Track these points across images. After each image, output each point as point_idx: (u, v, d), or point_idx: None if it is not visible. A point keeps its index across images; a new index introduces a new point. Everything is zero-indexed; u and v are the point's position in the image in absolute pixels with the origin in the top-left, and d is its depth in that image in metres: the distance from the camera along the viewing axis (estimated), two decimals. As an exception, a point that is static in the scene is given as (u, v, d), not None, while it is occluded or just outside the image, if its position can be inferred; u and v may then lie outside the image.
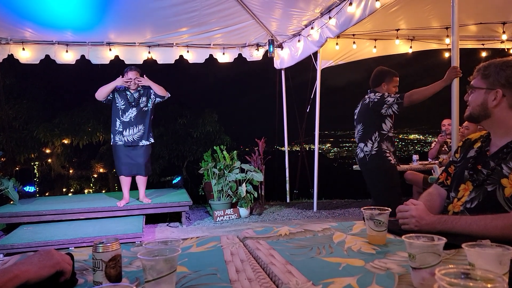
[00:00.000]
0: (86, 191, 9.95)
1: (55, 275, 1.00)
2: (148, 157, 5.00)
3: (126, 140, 4.82)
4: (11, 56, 5.60)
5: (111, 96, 4.82)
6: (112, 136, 4.90)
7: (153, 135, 5.08)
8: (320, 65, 5.79)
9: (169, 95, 4.97)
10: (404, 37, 6.12)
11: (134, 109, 4.83)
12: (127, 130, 4.82)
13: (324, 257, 1.19)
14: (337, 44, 5.80)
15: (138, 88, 4.87)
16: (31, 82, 9.41)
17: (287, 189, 6.81)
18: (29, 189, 5.79)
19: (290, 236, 1.47)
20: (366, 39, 6.04)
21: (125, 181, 4.97)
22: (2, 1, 4.76)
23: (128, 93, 4.84)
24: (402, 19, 5.45)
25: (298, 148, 8.13)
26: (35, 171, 9.39)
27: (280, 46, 6.18)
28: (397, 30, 5.77)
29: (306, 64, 5.98)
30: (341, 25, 4.56)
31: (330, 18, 4.65)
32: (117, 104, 4.84)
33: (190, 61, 6.11)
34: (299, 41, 5.62)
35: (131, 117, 4.83)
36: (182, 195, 5.76)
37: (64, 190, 9.85)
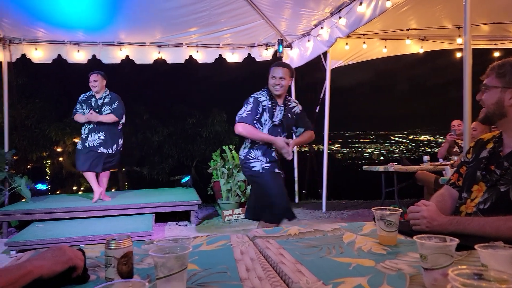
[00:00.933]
0: (96, 189, 10.03)
1: (68, 271, 1.01)
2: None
3: (88, 145, 4.90)
4: (24, 56, 5.67)
5: (75, 109, 4.97)
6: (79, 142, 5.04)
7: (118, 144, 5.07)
8: (330, 65, 5.77)
9: (118, 120, 4.95)
10: (415, 37, 6.07)
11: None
12: (91, 135, 4.91)
13: (334, 257, 1.19)
14: (347, 44, 5.77)
15: (104, 94, 4.94)
16: (43, 82, 9.53)
17: (296, 189, 6.79)
18: (41, 187, 5.86)
19: (300, 235, 1.47)
20: (376, 39, 6.00)
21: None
22: (15, 2, 4.84)
23: (93, 99, 4.94)
24: (413, 18, 5.41)
25: (307, 149, 8.12)
26: (47, 169, 9.51)
27: (290, 46, 6.17)
28: (408, 29, 5.72)
29: (315, 64, 5.97)
30: (351, 25, 4.54)
31: (340, 18, 4.63)
32: (80, 112, 4.97)
33: (199, 61, 6.14)
34: (308, 41, 5.61)
35: (94, 123, 4.91)
36: (191, 194, 5.79)
37: (74, 188, 9.96)
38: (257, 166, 3.11)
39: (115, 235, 1.08)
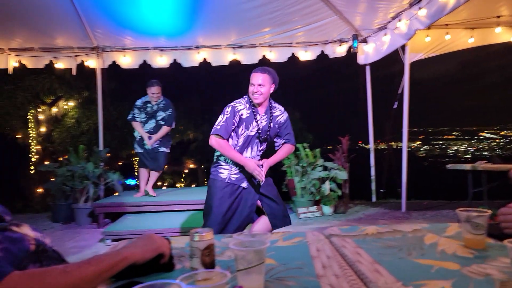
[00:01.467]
0: (178, 185, 10.63)
1: (156, 258, 1.12)
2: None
3: (148, 148, 5.26)
4: (114, 62, 6.20)
5: (132, 113, 5.29)
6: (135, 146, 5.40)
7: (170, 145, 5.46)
8: (409, 58, 5.49)
9: (171, 127, 5.32)
10: (506, 24, 5.53)
11: (153, 120, 5.24)
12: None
13: (414, 259, 1.15)
14: (427, 35, 5.45)
15: (160, 100, 5.24)
16: (130, 86, 10.31)
17: (373, 188, 6.58)
18: (130, 182, 6.37)
19: (378, 235, 1.44)
20: (461, 29, 5.58)
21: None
22: (106, 14, 5.31)
23: (149, 105, 5.25)
24: (504, 4, 4.94)
25: (384, 146, 7.81)
26: (134, 165, 10.29)
27: (365, 40, 5.99)
28: (498, 17, 5.24)
29: (391, 58, 5.72)
30: (432, 16, 4.27)
31: (420, 8, 4.39)
32: (136, 119, 5.28)
33: (272, 61, 6.20)
34: (385, 34, 5.39)
35: (150, 128, 5.25)
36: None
37: (159, 183, 10.64)
38: (224, 173, 2.86)
39: (198, 228, 1.16)
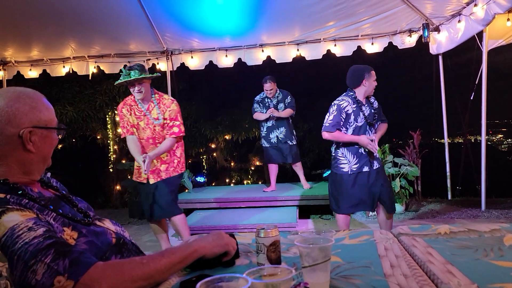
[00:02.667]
0: (245, 182, 10.84)
1: (222, 254, 1.17)
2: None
3: (273, 141, 5.43)
4: (182, 64, 6.48)
5: (255, 106, 5.49)
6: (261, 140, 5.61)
7: (296, 137, 5.60)
8: (487, 45, 5.07)
9: (293, 111, 5.44)
10: None
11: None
12: (271, 133, 5.43)
13: (492, 260, 1.08)
14: (508, 19, 5.00)
15: (276, 94, 5.37)
16: (197, 86, 10.71)
17: (448, 185, 6.19)
18: (200, 179, 6.64)
19: (451, 235, 1.37)
20: (548, 9, 5.04)
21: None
22: (174, 18, 5.57)
23: (267, 100, 5.40)
24: None
25: (461, 140, 7.31)
26: (204, 163, 10.68)
27: (437, 29, 5.63)
28: None
29: (467, 46, 5.32)
30: (513, -2, 3.92)
31: (499, -10, 4.05)
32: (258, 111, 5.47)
33: (337, 55, 6.07)
34: (459, 21, 5.03)
35: (272, 122, 5.39)
36: (332, 189, 5.80)
37: (227, 180, 10.94)
38: (345, 167, 3.31)
39: (264, 225, 1.19)
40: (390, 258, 1.17)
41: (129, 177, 6.67)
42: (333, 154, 3.43)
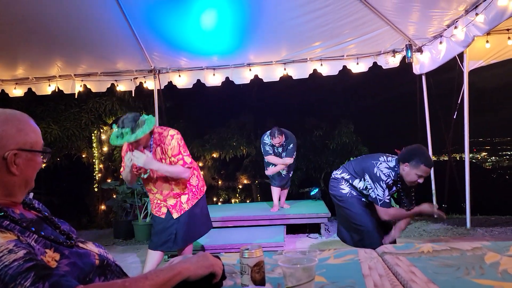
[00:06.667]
0: (233, 200, 10.78)
1: (208, 276, 1.15)
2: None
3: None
4: (170, 83, 6.50)
5: (268, 149, 5.60)
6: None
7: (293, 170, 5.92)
8: (468, 66, 5.23)
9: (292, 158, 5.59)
10: None
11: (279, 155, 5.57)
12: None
13: (473, 278, 1.10)
14: (487, 41, 5.17)
15: (282, 143, 5.49)
16: (185, 104, 10.72)
17: (434, 202, 6.24)
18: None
19: (434, 253, 1.39)
20: (525, 32, 5.23)
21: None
22: (162, 37, 5.61)
23: (274, 147, 5.57)
24: None
25: (446, 158, 7.42)
26: (191, 182, 10.58)
27: (420, 50, 5.79)
28: None
29: (449, 65, 5.47)
30: (490, 21, 4.05)
31: (477, 14, 4.18)
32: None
33: (323, 74, 6.17)
34: (440, 42, 5.18)
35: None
36: (320, 207, 5.82)
37: (214, 199, 10.86)
38: (345, 189, 3.26)
39: (248, 245, 1.19)
40: (374, 277, 1.18)
41: (114, 196, 6.58)
42: (337, 176, 3.37)
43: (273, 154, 5.54)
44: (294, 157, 5.57)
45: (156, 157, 3.12)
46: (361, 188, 3.22)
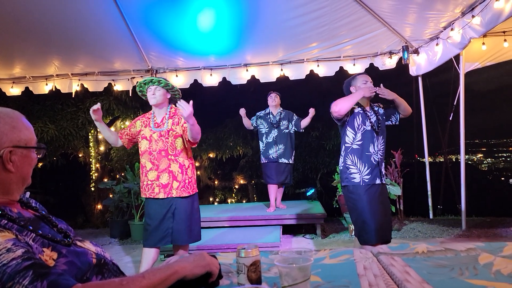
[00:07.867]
0: (229, 200, 10.79)
1: (205, 276, 1.16)
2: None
3: (270, 158, 5.50)
4: (167, 83, 6.49)
5: (256, 123, 5.65)
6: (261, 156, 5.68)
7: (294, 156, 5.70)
8: (464, 68, 5.26)
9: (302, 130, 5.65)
10: None
11: (276, 130, 5.53)
12: (270, 149, 5.52)
13: (467, 279, 1.11)
14: (483, 43, 5.21)
15: (279, 110, 5.57)
16: (182, 104, 10.72)
17: (430, 204, 6.28)
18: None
19: (428, 254, 1.40)
20: (520, 35, 5.28)
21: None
22: (159, 37, 5.61)
23: (271, 116, 5.58)
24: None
25: (442, 159, 7.46)
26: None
27: (416, 51, 5.82)
28: None
29: (445, 68, 5.50)
30: (487, 24, 4.08)
31: (473, 16, 4.21)
32: (261, 129, 5.63)
33: (320, 75, 6.19)
34: (437, 44, 5.21)
35: (273, 137, 5.53)
36: (316, 207, 5.84)
37: (210, 199, 10.86)
38: (356, 177, 3.11)
39: (245, 245, 1.20)
40: (368, 277, 1.19)
41: (110, 196, 6.57)
42: (342, 165, 3.24)
43: (267, 124, 5.57)
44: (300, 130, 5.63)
45: (168, 127, 3.34)
46: (346, 135, 3.24)
